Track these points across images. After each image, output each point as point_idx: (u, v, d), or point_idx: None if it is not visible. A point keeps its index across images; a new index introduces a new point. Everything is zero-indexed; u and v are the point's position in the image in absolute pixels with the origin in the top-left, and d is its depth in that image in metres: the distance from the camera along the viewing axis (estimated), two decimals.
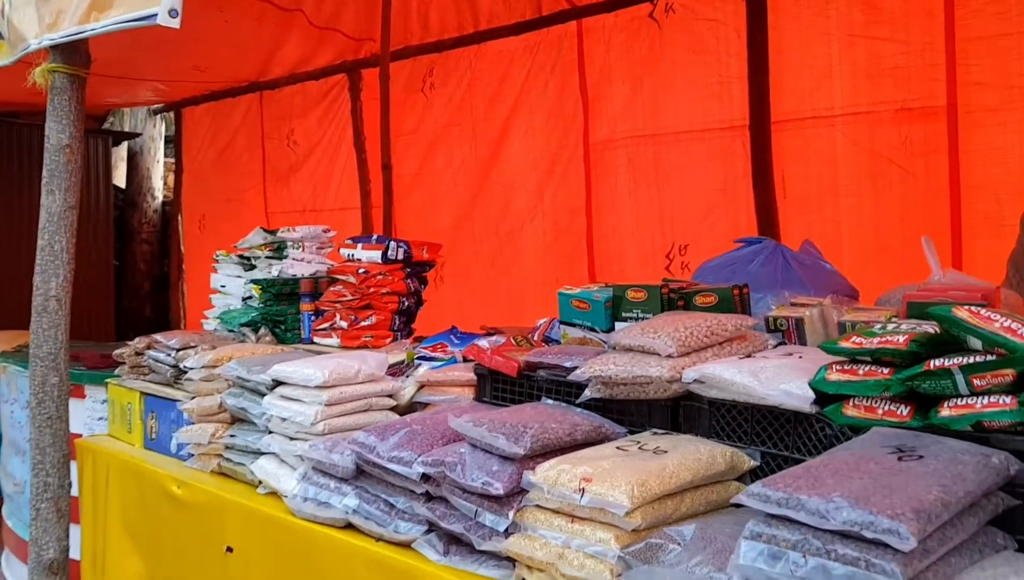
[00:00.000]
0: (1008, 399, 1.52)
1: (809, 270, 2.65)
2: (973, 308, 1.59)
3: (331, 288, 3.41)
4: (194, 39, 5.37)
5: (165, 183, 9.38)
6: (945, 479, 1.40)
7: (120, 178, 9.25)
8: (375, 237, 3.51)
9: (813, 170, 4.12)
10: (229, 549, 2.56)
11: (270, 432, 2.60)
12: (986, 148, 3.58)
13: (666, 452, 1.82)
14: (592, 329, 2.52)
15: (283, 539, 2.37)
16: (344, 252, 3.44)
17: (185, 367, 3.11)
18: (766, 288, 2.52)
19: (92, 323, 8.42)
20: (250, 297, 3.63)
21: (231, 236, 4.26)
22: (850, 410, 1.71)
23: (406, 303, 3.36)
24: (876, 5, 3.80)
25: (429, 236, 3.85)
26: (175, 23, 2.21)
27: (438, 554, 1.97)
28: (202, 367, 2.99)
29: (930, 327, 1.69)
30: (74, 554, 3.44)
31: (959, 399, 1.58)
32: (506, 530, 1.84)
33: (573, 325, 2.56)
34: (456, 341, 2.98)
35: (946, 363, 1.58)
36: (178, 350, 3.25)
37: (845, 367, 1.74)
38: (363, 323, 3.26)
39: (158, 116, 9.04)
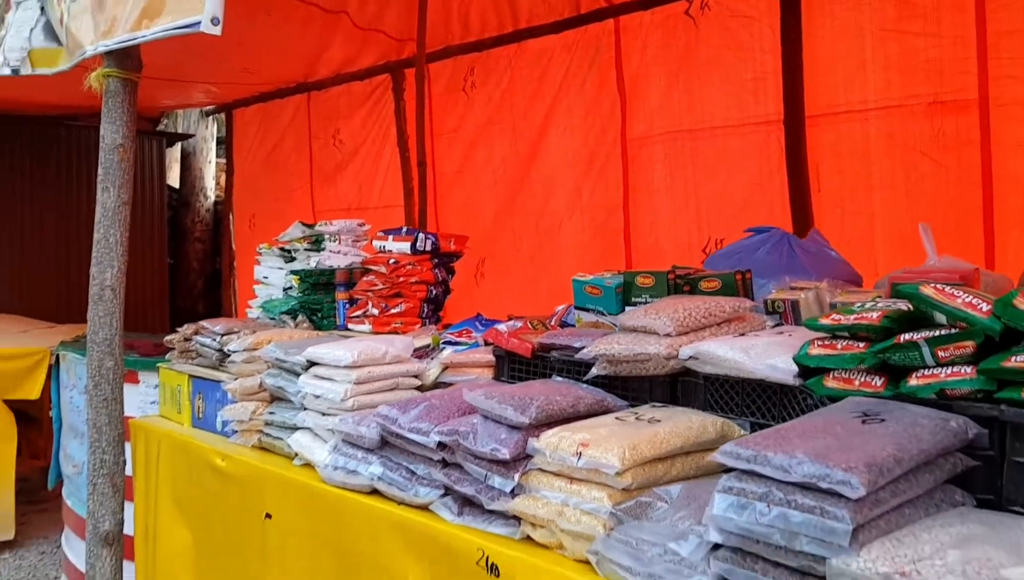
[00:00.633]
0: (968, 369, 1.65)
1: (813, 257, 2.76)
2: (939, 286, 1.72)
3: (364, 278, 3.60)
4: (242, 42, 5.56)
5: (217, 183, 9.59)
6: (902, 439, 1.52)
7: (174, 179, 9.50)
8: (405, 229, 3.69)
9: (847, 164, 4.16)
10: (268, 515, 2.75)
11: (305, 409, 2.79)
12: (1018, 141, 3.60)
13: (659, 422, 1.97)
14: (604, 313, 2.67)
15: (316, 505, 2.56)
16: (376, 244, 3.63)
17: (228, 351, 3.31)
18: (771, 274, 2.64)
19: (147, 319, 8.74)
20: (290, 287, 3.83)
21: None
22: (830, 382, 1.84)
23: (434, 292, 3.54)
24: (908, 0, 3.83)
25: (470, 233, 3.95)
26: (216, 30, 2.40)
27: (453, 515, 2.14)
28: (244, 350, 3.19)
29: (904, 305, 1.81)
30: (128, 530, 3.68)
31: (926, 370, 1.71)
32: (512, 491, 2.00)
33: (587, 310, 2.71)
34: (480, 327, 3.15)
35: (914, 337, 1.71)
36: (222, 335, 3.46)
37: (826, 342, 1.87)
38: (393, 310, 3.45)
39: (210, 117, 9.24)
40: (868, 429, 1.57)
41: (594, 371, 2.29)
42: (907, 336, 1.71)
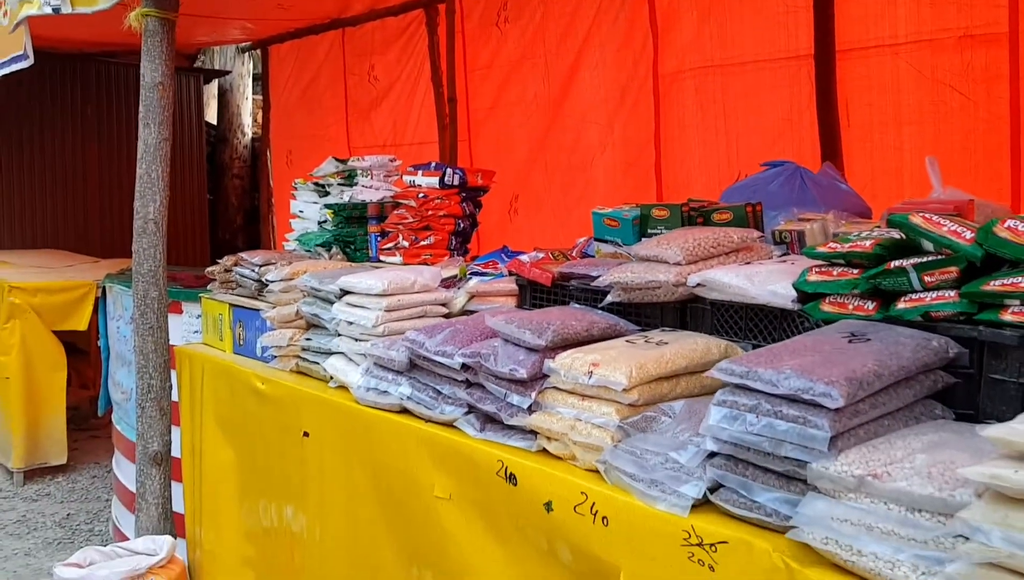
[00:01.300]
0: (952, 293, 1.76)
1: (824, 190, 2.84)
2: (927, 215, 1.82)
3: (395, 211, 3.74)
4: None
5: (254, 120, 9.62)
6: (883, 356, 1.65)
7: (211, 115, 9.62)
8: (433, 164, 3.81)
9: (876, 98, 4.14)
10: (305, 434, 2.95)
11: (339, 334, 2.95)
12: None
13: (667, 344, 2.11)
14: (622, 244, 2.78)
15: (350, 424, 2.74)
16: (407, 179, 3.76)
17: (267, 281, 3.48)
18: (782, 206, 2.73)
19: (189, 253, 8.99)
20: (324, 221, 3.98)
21: None
22: (826, 306, 1.96)
23: (461, 225, 3.67)
24: None
25: (503, 169, 3.97)
26: None
27: (475, 430, 2.31)
28: (281, 280, 3.36)
29: (896, 234, 1.92)
30: (175, 453, 3.91)
31: (913, 294, 1.82)
32: (529, 408, 2.16)
33: (605, 241, 2.83)
34: (506, 259, 3.28)
35: (903, 263, 1.82)
36: (261, 266, 3.62)
37: (822, 269, 1.99)
38: (423, 243, 3.59)
39: (246, 54, 9.27)
40: (853, 347, 1.70)
41: (609, 298, 2.42)
42: (897, 262, 1.82)
